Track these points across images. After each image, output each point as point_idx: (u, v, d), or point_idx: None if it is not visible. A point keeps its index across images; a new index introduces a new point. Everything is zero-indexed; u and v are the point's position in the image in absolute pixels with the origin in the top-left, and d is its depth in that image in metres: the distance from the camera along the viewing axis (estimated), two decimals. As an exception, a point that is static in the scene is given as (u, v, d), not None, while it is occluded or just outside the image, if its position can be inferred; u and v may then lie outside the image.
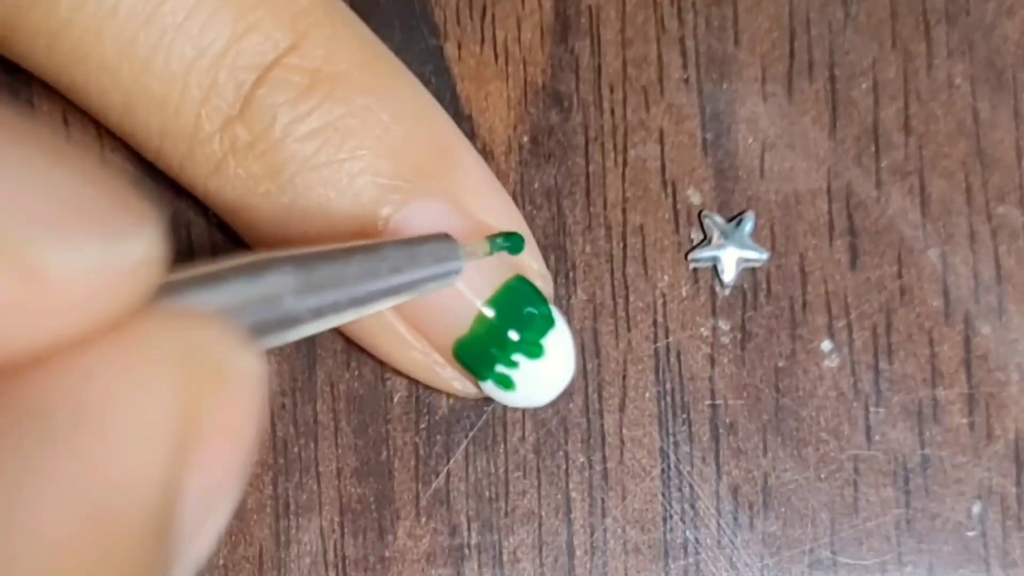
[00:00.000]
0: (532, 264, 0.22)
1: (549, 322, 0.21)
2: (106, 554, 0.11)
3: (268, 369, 0.13)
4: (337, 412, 0.23)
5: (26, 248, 0.10)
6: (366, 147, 0.20)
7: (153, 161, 0.21)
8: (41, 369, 0.11)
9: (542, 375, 0.21)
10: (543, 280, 0.22)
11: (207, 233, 0.23)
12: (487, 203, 0.21)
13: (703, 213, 0.23)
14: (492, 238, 0.20)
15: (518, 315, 0.21)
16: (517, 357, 0.21)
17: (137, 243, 0.11)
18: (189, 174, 0.21)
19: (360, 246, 0.17)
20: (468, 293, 0.20)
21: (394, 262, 0.17)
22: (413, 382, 0.23)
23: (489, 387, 0.21)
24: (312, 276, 0.15)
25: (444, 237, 0.18)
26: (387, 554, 0.22)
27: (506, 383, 0.21)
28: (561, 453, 0.23)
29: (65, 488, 0.10)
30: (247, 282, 0.14)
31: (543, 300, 0.21)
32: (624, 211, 0.23)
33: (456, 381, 0.22)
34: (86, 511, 0.10)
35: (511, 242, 0.20)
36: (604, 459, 0.23)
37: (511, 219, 0.21)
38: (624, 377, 0.23)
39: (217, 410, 0.12)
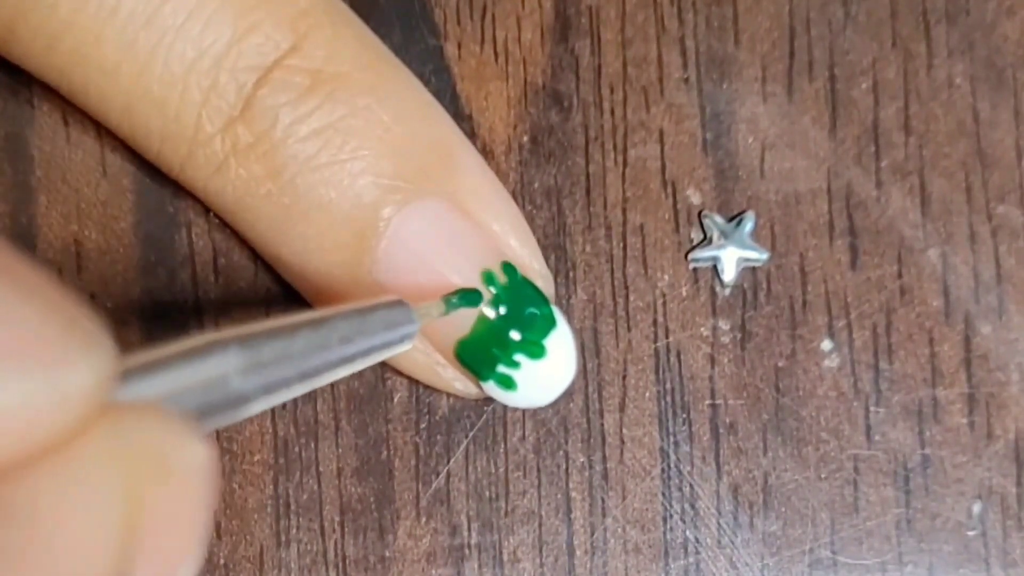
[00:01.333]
0: (533, 264, 0.22)
1: (551, 322, 0.21)
2: None
3: (214, 454, 0.13)
4: (337, 412, 0.23)
5: None
6: (367, 147, 0.20)
7: (154, 162, 0.21)
8: None
9: (544, 375, 0.21)
10: (544, 280, 0.22)
11: (207, 233, 0.23)
12: (488, 203, 0.21)
13: (703, 213, 0.23)
14: (448, 297, 0.20)
15: (520, 315, 0.21)
16: (519, 357, 0.21)
17: (83, 370, 0.11)
18: (190, 175, 0.20)
19: (307, 320, 0.16)
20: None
21: (343, 332, 0.17)
22: (413, 382, 0.23)
23: (490, 387, 0.21)
24: (258, 354, 0.15)
25: (396, 303, 0.18)
26: (387, 554, 0.22)
27: (508, 383, 0.21)
28: (561, 453, 0.23)
29: None
30: (191, 366, 0.14)
31: (544, 300, 0.21)
32: (624, 211, 0.23)
33: (457, 381, 0.22)
34: None
35: (467, 299, 0.20)
36: (604, 459, 0.23)
37: (512, 219, 0.21)
38: (624, 377, 0.23)
39: (162, 502, 0.12)
